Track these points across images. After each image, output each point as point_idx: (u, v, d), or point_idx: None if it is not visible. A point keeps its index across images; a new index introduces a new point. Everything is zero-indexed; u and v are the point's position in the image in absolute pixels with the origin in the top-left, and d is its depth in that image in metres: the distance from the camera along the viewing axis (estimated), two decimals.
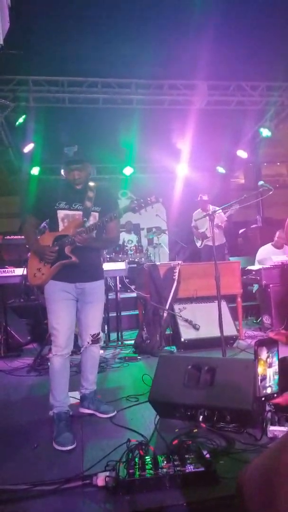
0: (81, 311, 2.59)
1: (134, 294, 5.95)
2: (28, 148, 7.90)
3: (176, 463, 1.81)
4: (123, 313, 5.44)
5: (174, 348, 4.49)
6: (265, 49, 5.84)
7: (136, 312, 5.93)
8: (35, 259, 2.58)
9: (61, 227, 2.54)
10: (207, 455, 1.85)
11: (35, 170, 9.11)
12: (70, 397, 2.62)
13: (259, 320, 5.95)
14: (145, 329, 4.55)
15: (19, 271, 4.50)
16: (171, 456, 1.84)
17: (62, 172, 2.62)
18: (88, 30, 5.50)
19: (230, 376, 2.36)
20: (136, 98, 6.71)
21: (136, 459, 1.82)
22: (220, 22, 5.42)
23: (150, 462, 1.81)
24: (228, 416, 2.30)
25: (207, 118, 7.36)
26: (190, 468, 1.77)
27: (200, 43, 5.61)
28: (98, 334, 2.65)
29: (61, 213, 2.55)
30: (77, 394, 2.76)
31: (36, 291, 4.38)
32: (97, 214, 2.61)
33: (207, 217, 6.91)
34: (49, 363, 2.61)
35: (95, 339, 2.62)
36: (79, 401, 2.74)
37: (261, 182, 3.28)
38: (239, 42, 5.84)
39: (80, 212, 2.57)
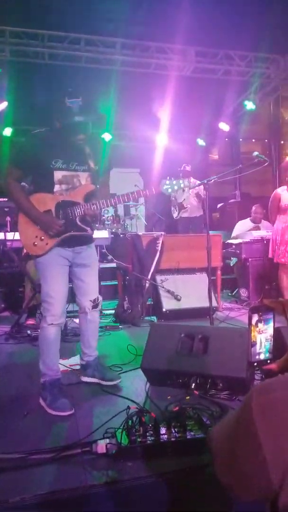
0: (78, 276, 2.45)
1: (112, 264, 5.86)
2: (1, 106, 7.39)
3: (176, 429, 1.79)
4: (101, 283, 5.34)
5: (154, 318, 4.49)
6: (256, 18, 5.66)
7: (114, 282, 5.86)
8: (32, 225, 2.26)
9: (56, 188, 2.26)
10: (207, 422, 1.85)
11: (7, 131, 8.58)
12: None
13: (234, 293, 6.07)
14: (126, 299, 4.51)
15: None
16: (171, 423, 1.83)
17: (58, 125, 2.25)
18: None
19: (224, 344, 2.37)
20: (120, 59, 6.36)
21: (137, 426, 1.79)
22: None
23: (151, 429, 1.78)
24: (220, 384, 2.32)
25: (191, 86, 7.15)
26: (190, 434, 1.77)
27: (191, 6, 5.35)
28: (98, 298, 2.53)
29: (58, 174, 2.25)
30: (65, 362, 2.69)
31: (16, 257, 4.17)
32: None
33: (186, 189, 6.92)
34: (35, 332, 2.51)
35: (95, 304, 2.51)
36: (67, 368, 2.67)
37: (256, 153, 3.22)
38: (231, 8, 5.62)
39: (85, 174, 2.33)
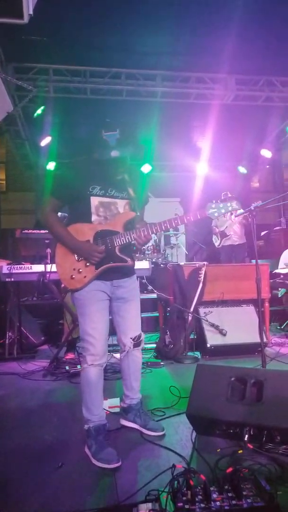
0: (117, 312, 2.28)
1: (153, 295, 5.67)
2: (45, 141, 7.64)
3: (230, 495, 1.53)
4: (142, 315, 5.15)
5: (198, 354, 4.20)
6: None
7: (155, 314, 5.66)
8: (69, 257, 2.15)
9: (94, 217, 2.14)
10: (267, 487, 1.57)
11: (51, 165, 8.86)
12: None
13: (284, 326, 5.64)
14: (168, 333, 4.28)
15: (37, 268, 4.25)
16: (224, 486, 1.56)
17: (96, 156, 2.09)
18: (112, 18, 5.24)
19: (282, 391, 2.08)
20: (161, 91, 6.43)
21: (184, 489, 1.55)
22: (251, 13, 5.15)
23: (200, 493, 1.53)
24: (278, 437, 2.02)
25: (231, 114, 7.08)
26: (247, 502, 1.50)
27: (229, 35, 5.33)
28: (140, 336, 2.34)
29: (94, 200, 2.12)
30: (104, 403, 2.48)
31: (56, 289, 4.10)
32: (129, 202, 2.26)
33: (227, 216, 6.68)
34: (74, 368, 2.34)
35: (136, 342, 2.32)
36: (106, 411, 2.47)
37: None
38: (270, 34, 5.55)
39: (123, 201, 2.21)
